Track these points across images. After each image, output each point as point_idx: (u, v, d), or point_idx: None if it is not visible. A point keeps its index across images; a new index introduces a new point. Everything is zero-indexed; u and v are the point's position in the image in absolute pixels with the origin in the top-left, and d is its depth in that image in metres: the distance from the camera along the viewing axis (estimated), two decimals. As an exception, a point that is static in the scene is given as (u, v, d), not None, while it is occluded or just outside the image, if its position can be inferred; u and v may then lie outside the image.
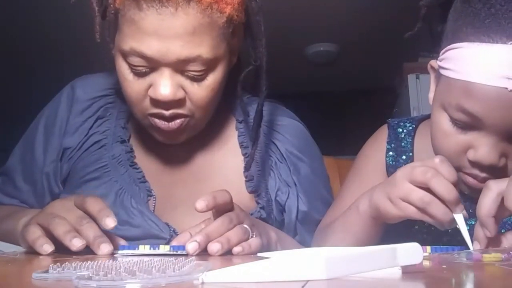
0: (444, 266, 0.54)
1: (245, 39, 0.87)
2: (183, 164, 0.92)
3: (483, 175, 0.73)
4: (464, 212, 0.67)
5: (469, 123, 0.71)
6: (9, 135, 1.10)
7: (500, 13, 0.67)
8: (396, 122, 0.93)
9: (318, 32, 2.79)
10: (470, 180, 0.74)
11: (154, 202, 0.88)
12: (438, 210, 0.66)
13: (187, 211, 0.87)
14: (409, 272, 0.46)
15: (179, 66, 0.77)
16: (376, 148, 0.93)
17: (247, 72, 0.86)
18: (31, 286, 0.41)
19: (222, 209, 0.73)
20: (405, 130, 0.92)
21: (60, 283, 0.42)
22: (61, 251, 0.69)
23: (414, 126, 0.92)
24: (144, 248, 0.70)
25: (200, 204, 0.69)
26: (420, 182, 0.67)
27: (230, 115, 0.96)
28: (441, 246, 0.71)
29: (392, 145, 0.91)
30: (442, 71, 0.74)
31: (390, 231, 0.83)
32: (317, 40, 2.93)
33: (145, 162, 0.91)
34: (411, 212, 0.68)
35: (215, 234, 0.70)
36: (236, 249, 0.71)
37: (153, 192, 0.88)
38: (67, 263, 0.47)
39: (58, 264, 0.46)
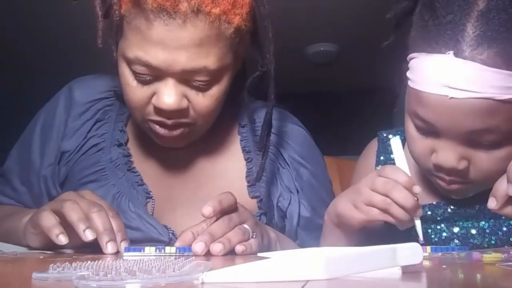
0: (444, 266, 0.54)
1: (252, 44, 0.86)
2: (184, 167, 0.92)
3: (450, 178, 0.75)
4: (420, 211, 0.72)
5: (426, 129, 0.73)
6: (9, 135, 1.10)
7: (442, 24, 0.69)
8: (385, 135, 0.94)
9: (318, 32, 2.78)
10: (440, 182, 0.77)
11: (153, 204, 0.87)
12: (398, 211, 0.71)
13: (186, 213, 0.87)
14: (409, 272, 0.46)
15: (185, 76, 0.77)
16: (366, 163, 0.96)
17: (252, 78, 0.86)
18: (31, 286, 0.41)
19: (226, 211, 0.73)
20: None
21: (60, 283, 0.42)
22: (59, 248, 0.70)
23: (403, 138, 0.92)
24: (150, 250, 0.70)
25: (207, 210, 0.70)
26: (381, 192, 0.72)
27: (232, 120, 0.95)
28: (441, 246, 0.71)
29: (382, 157, 0.93)
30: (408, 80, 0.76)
31: (389, 235, 0.83)
32: (317, 40, 2.93)
33: (144, 164, 0.91)
34: (374, 213, 0.73)
35: (218, 233, 0.71)
36: (239, 248, 0.71)
37: (151, 194, 0.88)
38: (67, 263, 0.47)
39: (58, 264, 0.46)
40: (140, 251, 0.70)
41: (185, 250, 0.70)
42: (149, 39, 0.74)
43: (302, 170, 0.94)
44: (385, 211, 0.72)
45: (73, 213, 0.68)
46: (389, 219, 0.72)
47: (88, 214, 0.69)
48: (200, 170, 0.92)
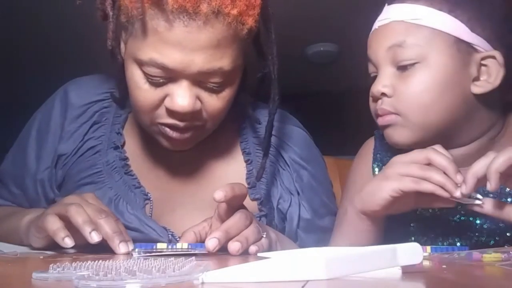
0: (444, 266, 0.54)
1: (253, 45, 0.86)
2: (183, 169, 0.91)
3: (381, 107, 0.83)
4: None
5: (372, 71, 0.86)
6: (9, 135, 1.10)
7: None
8: (381, 133, 0.94)
9: (318, 32, 2.78)
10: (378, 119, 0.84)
11: (151, 206, 0.87)
12: (438, 175, 0.71)
13: (186, 214, 0.87)
14: (409, 272, 0.46)
15: (199, 78, 0.76)
16: (363, 161, 0.95)
17: (253, 79, 0.86)
18: (31, 286, 0.41)
19: (236, 203, 0.73)
20: None
21: (60, 283, 0.42)
22: (58, 248, 0.70)
23: None
24: (162, 247, 0.69)
25: (219, 194, 0.69)
26: (419, 160, 0.73)
27: (232, 121, 0.95)
28: (441, 246, 0.71)
29: (378, 155, 0.93)
30: None
31: (387, 231, 0.83)
32: (317, 40, 2.93)
33: (143, 166, 0.90)
34: (407, 181, 0.72)
35: (233, 230, 0.70)
36: (253, 249, 0.71)
37: (149, 195, 0.88)
38: (67, 263, 0.47)
39: (58, 264, 0.46)
40: (152, 247, 0.70)
41: (197, 246, 0.69)
42: (167, 40, 0.73)
43: (302, 172, 0.94)
44: (423, 177, 0.71)
45: (78, 216, 0.69)
46: (425, 186, 0.71)
47: (95, 221, 0.69)
48: (199, 172, 0.92)
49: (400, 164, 0.74)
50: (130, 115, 0.92)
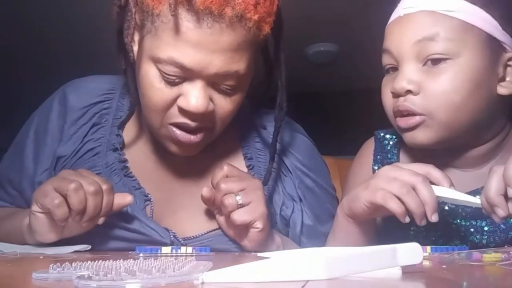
0: (444, 266, 0.54)
1: (261, 52, 0.86)
2: (185, 170, 0.91)
3: (401, 103, 0.79)
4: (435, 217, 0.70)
5: (390, 65, 0.81)
6: (9, 135, 1.10)
7: None
8: (382, 134, 0.95)
9: (318, 32, 2.78)
10: (398, 121, 0.81)
11: (152, 207, 0.87)
12: (413, 202, 0.69)
13: (187, 216, 0.87)
14: (409, 272, 0.46)
15: (215, 80, 0.76)
16: (363, 162, 0.95)
17: (259, 85, 0.86)
18: (31, 286, 0.41)
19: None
20: (391, 143, 0.93)
21: (60, 283, 0.42)
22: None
23: (398, 139, 0.92)
24: (166, 251, 0.70)
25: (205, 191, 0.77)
26: (405, 181, 0.70)
27: (235, 126, 0.94)
28: (441, 246, 0.71)
29: (378, 157, 0.93)
30: None
31: (387, 236, 0.83)
32: (317, 40, 2.93)
33: (143, 168, 0.90)
34: (379, 195, 0.71)
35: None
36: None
37: (149, 196, 0.87)
38: (67, 263, 0.47)
39: (58, 264, 0.46)
40: (156, 251, 0.70)
41: (201, 250, 0.70)
42: (188, 40, 0.73)
43: (305, 179, 0.94)
44: (398, 196, 0.70)
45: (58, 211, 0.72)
46: (391, 205, 0.70)
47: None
48: (201, 174, 0.91)
49: (384, 177, 0.72)
50: (133, 116, 0.92)
